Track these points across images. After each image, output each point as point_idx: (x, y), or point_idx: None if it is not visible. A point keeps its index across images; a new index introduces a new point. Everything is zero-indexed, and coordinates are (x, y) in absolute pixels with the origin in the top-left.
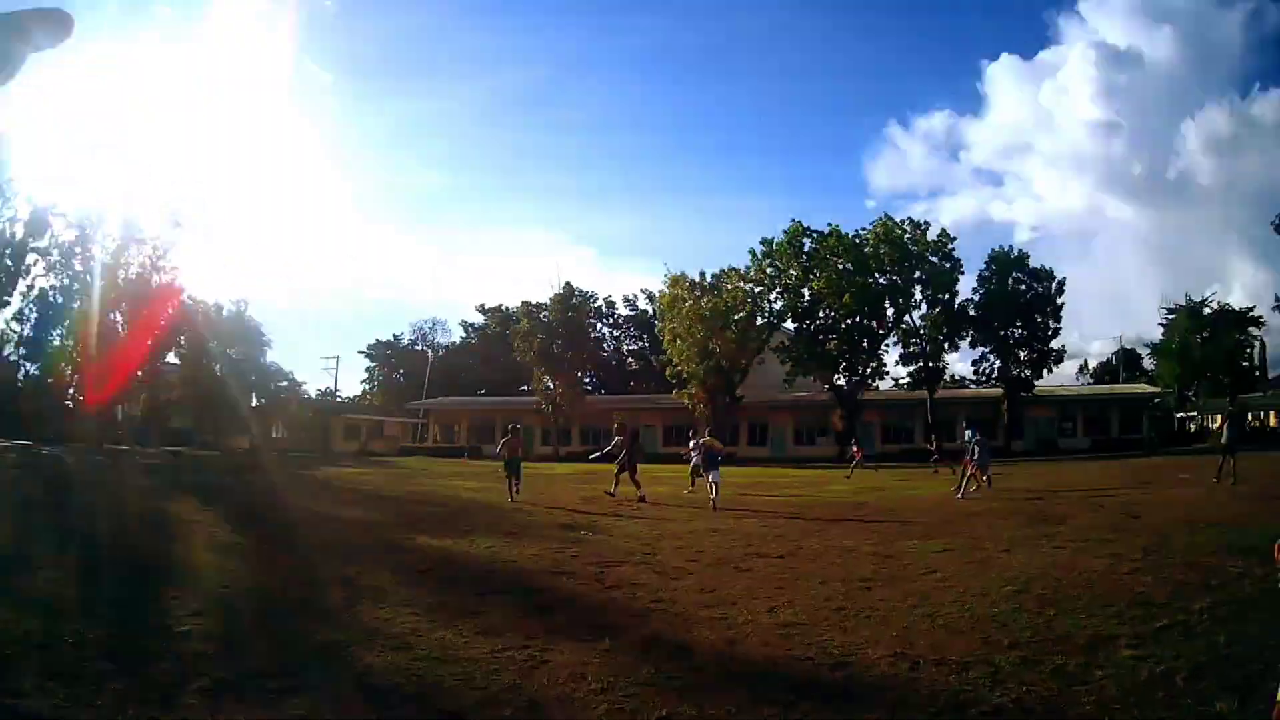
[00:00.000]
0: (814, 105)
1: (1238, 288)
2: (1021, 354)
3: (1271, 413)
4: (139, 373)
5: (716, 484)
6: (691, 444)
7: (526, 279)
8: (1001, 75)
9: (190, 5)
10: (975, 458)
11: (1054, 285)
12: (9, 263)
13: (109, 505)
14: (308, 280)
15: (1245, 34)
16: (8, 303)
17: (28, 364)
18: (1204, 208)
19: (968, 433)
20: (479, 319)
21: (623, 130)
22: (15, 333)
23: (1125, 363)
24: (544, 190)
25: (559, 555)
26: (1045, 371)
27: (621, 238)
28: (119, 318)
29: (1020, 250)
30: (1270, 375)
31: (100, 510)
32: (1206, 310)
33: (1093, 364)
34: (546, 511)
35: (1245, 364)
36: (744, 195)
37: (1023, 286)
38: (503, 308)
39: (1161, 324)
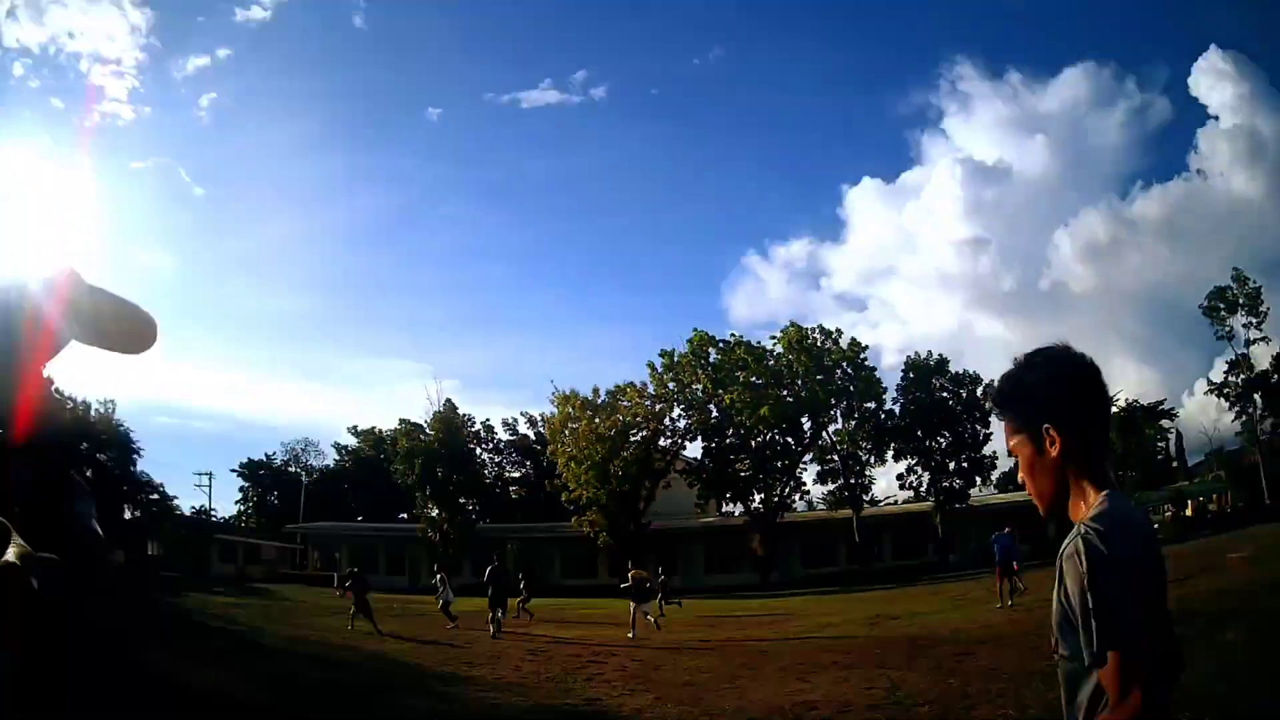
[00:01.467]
0: (670, 237)
1: (1125, 387)
2: (950, 464)
3: (1190, 503)
4: None
5: (647, 614)
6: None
7: (395, 407)
8: (862, 199)
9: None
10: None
11: (979, 390)
12: None
13: None
14: (173, 394)
15: (1125, 133)
16: None
17: None
18: (1081, 314)
19: (995, 536)
20: (351, 441)
21: (479, 260)
22: None
23: None
24: (407, 322)
25: None
26: (980, 481)
27: (485, 369)
28: None
29: (940, 355)
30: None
31: None
32: (1114, 409)
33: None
34: (490, 668)
35: (1160, 457)
36: (605, 325)
37: (945, 394)
38: (375, 430)
39: None
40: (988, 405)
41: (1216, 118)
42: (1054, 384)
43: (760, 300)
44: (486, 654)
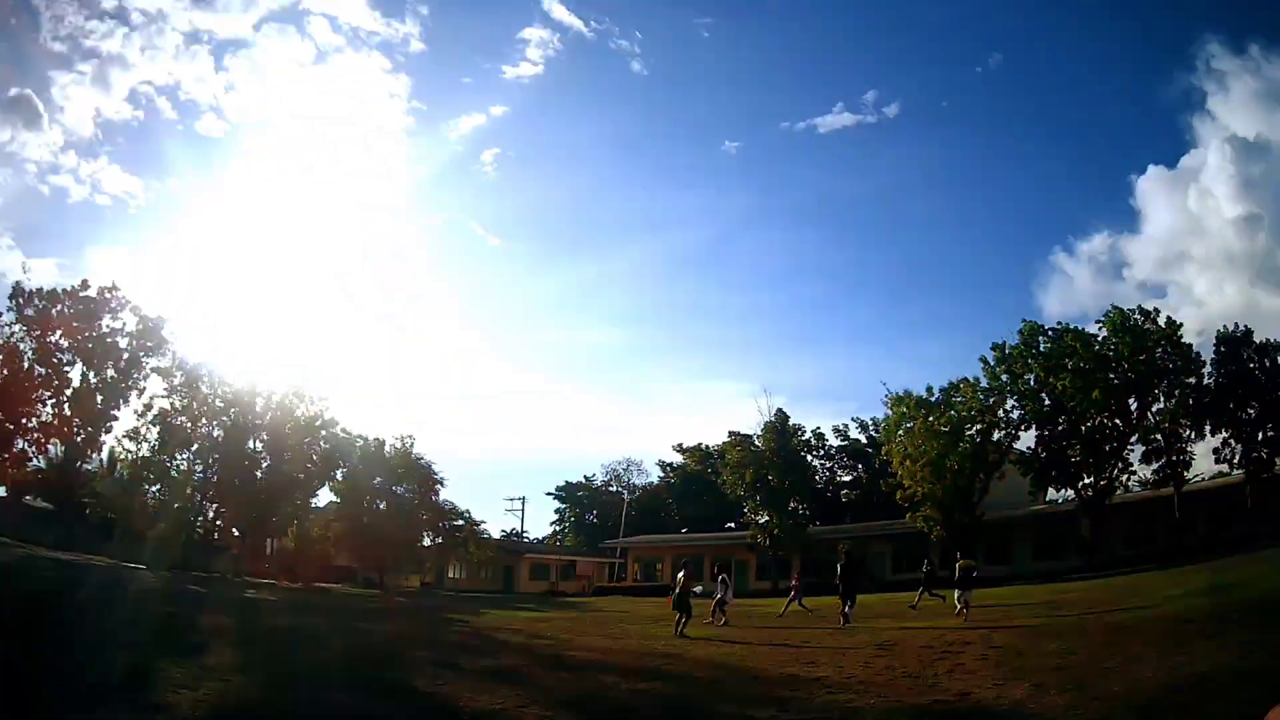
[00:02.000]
0: (977, 244)
1: None
2: (1259, 435)
3: None
4: (287, 505)
5: (966, 602)
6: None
7: (720, 426)
8: (1150, 188)
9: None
10: None
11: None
12: (113, 373)
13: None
14: (490, 435)
15: None
16: (116, 418)
17: (148, 486)
18: None
19: None
20: (676, 458)
21: (797, 281)
22: (129, 452)
23: None
24: (726, 343)
25: None
26: None
27: (811, 384)
28: (257, 446)
29: (1245, 326)
30: None
31: None
32: None
33: None
34: (836, 667)
35: None
36: (923, 337)
37: (1252, 365)
38: (702, 446)
39: None
40: None
41: None
42: None
43: (1071, 296)
44: (829, 651)
